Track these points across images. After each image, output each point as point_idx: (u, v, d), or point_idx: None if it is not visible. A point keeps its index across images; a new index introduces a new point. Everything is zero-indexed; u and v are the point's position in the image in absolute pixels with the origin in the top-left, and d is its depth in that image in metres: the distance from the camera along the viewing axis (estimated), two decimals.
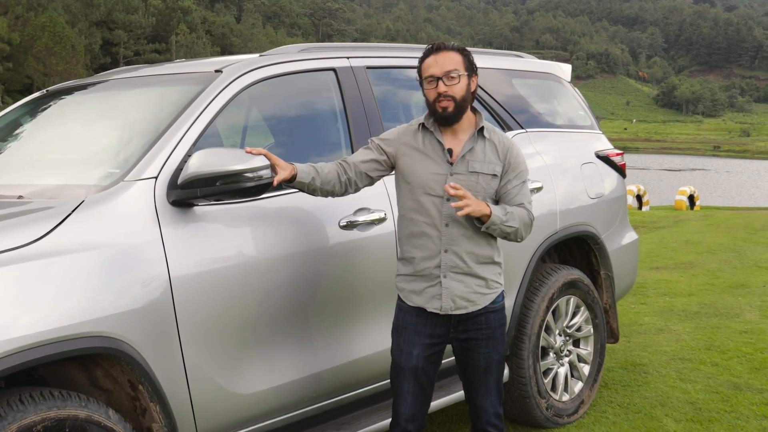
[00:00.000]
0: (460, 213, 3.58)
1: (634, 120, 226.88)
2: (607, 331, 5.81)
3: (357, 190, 3.91)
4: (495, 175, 3.78)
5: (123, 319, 3.25)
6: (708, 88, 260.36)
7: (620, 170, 5.96)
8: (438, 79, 3.71)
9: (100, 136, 4.23)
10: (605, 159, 5.84)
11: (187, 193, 3.52)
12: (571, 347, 5.45)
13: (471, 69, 3.79)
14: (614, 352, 6.84)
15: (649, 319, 8.11)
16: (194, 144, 3.71)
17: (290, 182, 3.70)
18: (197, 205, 3.61)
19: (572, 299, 5.38)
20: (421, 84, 3.82)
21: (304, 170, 3.73)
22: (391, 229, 4.29)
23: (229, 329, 3.65)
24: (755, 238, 14.64)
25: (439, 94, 3.71)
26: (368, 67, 4.62)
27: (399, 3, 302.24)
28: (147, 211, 3.47)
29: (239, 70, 4.06)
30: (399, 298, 3.91)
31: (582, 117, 6.03)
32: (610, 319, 5.81)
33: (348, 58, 4.56)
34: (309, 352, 3.98)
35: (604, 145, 6.01)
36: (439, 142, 3.79)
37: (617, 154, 5.98)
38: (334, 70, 4.45)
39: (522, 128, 5.31)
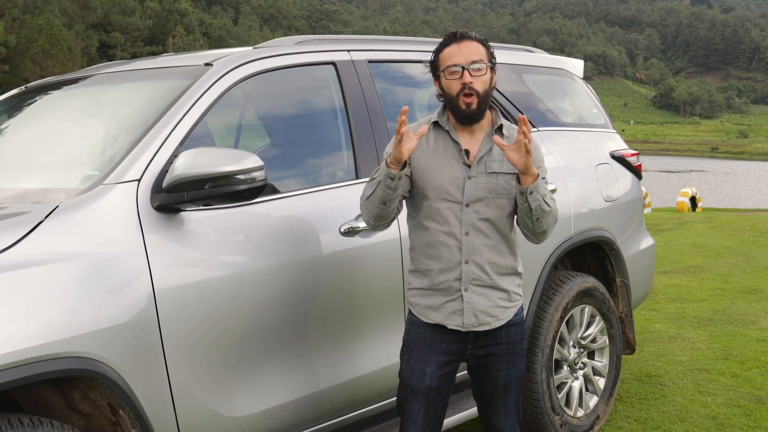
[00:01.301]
0: (522, 160, 3.21)
1: (632, 122, 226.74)
2: (622, 342, 5.48)
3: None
4: (516, 173, 3.42)
5: (101, 337, 2.92)
6: (705, 90, 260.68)
7: (636, 171, 5.64)
8: (463, 68, 3.35)
9: (81, 135, 3.90)
10: (620, 159, 5.52)
11: (173, 197, 3.19)
12: (585, 359, 5.12)
13: (493, 62, 3.46)
14: (627, 363, 6.51)
15: (661, 326, 7.79)
16: (181, 143, 3.38)
17: (400, 169, 3.28)
18: (184, 210, 3.29)
19: (587, 308, 5.06)
20: (437, 78, 3.46)
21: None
22: (395, 235, 3.97)
23: (219, 346, 3.33)
24: (762, 240, 14.37)
25: (464, 85, 3.34)
26: (370, 61, 4.29)
27: (396, 5, 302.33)
28: (129, 217, 3.14)
29: (231, 64, 3.73)
30: (411, 313, 3.56)
31: (595, 115, 5.70)
32: (625, 329, 5.49)
33: (349, 51, 4.23)
34: (307, 370, 3.66)
35: (619, 145, 5.68)
36: (455, 142, 3.45)
37: (632, 155, 5.66)
38: (333, 63, 4.13)
39: (533, 127, 4.98)
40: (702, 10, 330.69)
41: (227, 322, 3.34)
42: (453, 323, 3.42)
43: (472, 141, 3.45)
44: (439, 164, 3.41)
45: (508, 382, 3.55)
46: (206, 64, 3.74)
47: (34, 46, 74.56)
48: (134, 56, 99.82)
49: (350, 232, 3.79)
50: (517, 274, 3.53)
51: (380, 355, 3.96)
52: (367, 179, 3.49)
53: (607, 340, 5.22)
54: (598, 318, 5.15)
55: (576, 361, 5.03)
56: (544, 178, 3.40)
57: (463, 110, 3.37)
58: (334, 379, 3.75)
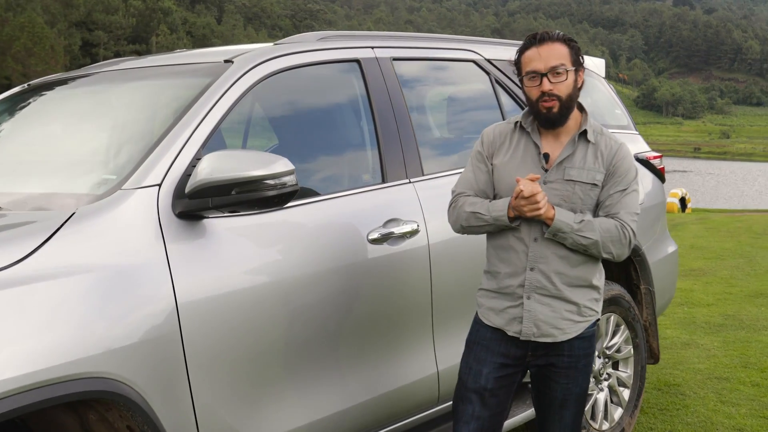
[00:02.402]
0: (529, 214, 3.12)
1: None
2: (647, 351, 5.29)
3: None
4: (595, 185, 3.24)
5: (121, 355, 2.70)
6: (688, 90, 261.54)
7: (660, 174, 5.45)
8: (542, 75, 3.18)
9: (92, 136, 3.66)
10: (644, 162, 5.32)
11: (197, 204, 2.96)
12: (610, 370, 4.92)
13: (578, 62, 3.25)
14: (646, 371, 6.31)
15: (672, 332, 7.60)
16: (203, 145, 3.16)
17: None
18: (208, 217, 3.06)
19: (612, 317, 4.85)
20: (520, 80, 3.31)
21: None
22: (424, 242, 3.76)
23: (245, 363, 3.10)
24: (760, 242, 14.27)
25: (543, 93, 3.18)
26: (394, 59, 4.07)
27: (380, 4, 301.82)
28: (149, 225, 2.91)
29: (252, 61, 3.50)
30: (476, 313, 3.44)
31: (618, 116, 5.51)
32: (650, 338, 5.29)
33: (372, 48, 4.01)
34: (336, 386, 3.44)
35: (642, 147, 5.49)
36: (536, 145, 3.28)
37: (656, 157, 5.47)
38: (357, 61, 3.90)
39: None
40: (684, 11, 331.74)
41: (253, 336, 3.12)
42: (512, 330, 3.29)
43: (556, 144, 3.28)
44: (516, 166, 3.27)
45: (566, 397, 3.36)
46: (226, 61, 3.52)
47: (16, 44, 73.80)
48: (117, 55, 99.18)
49: (378, 240, 3.58)
50: (592, 287, 3.32)
51: (409, 368, 3.75)
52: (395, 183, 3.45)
53: (632, 349, 5.02)
54: (623, 327, 4.95)
55: (601, 371, 4.83)
56: (627, 189, 3.27)
57: (544, 114, 3.22)
58: (363, 395, 3.54)
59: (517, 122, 3.36)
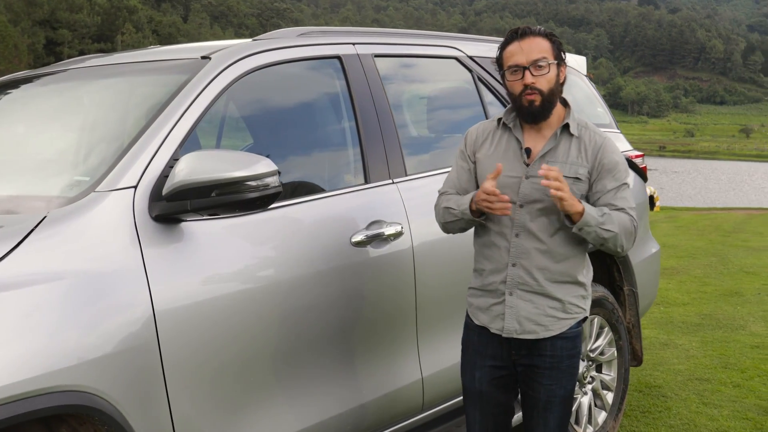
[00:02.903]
0: (553, 193, 2.98)
1: None
2: (630, 353, 5.20)
3: None
4: (578, 179, 3.18)
5: (96, 367, 2.55)
6: (653, 89, 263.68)
7: (642, 173, 5.37)
8: (524, 68, 3.14)
9: (64, 136, 3.51)
10: (626, 161, 5.22)
11: (175, 206, 2.82)
12: (594, 373, 4.83)
13: (560, 57, 3.22)
14: None
15: (650, 332, 7.54)
16: (181, 145, 3.01)
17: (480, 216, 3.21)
18: (186, 220, 2.92)
19: (596, 319, 4.76)
20: (502, 76, 3.26)
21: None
22: (408, 245, 3.64)
23: (225, 372, 2.97)
24: (730, 241, 14.33)
25: (526, 86, 3.13)
26: (376, 55, 3.95)
27: (347, 3, 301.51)
28: (124, 229, 2.77)
29: (231, 57, 3.36)
30: (466, 314, 3.41)
31: (601, 114, 5.42)
32: (633, 340, 5.21)
33: (354, 44, 3.88)
34: (323, 393, 3.31)
35: (624, 146, 5.41)
36: (518, 140, 3.24)
37: (637, 156, 5.39)
38: (339, 57, 3.77)
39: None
40: (649, 11, 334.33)
41: (234, 344, 2.99)
42: (495, 327, 3.26)
43: (539, 138, 3.24)
44: (498, 162, 3.20)
45: (550, 398, 3.29)
46: (203, 58, 3.37)
47: None
48: (82, 53, 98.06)
49: (362, 243, 3.46)
50: (577, 283, 3.27)
51: (393, 375, 3.63)
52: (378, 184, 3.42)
53: (616, 352, 4.93)
54: (606, 329, 4.86)
55: (585, 375, 4.73)
56: (624, 184, 3.22)
57: (526, 108, 3.18)
58: (346, 403, 3.41)
59: (499, 119, 3.33)
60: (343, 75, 3.75)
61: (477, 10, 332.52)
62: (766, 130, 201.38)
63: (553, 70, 3.16)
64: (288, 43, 3.63)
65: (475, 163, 3.33)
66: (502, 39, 3.36)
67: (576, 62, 5.47)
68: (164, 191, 2.82)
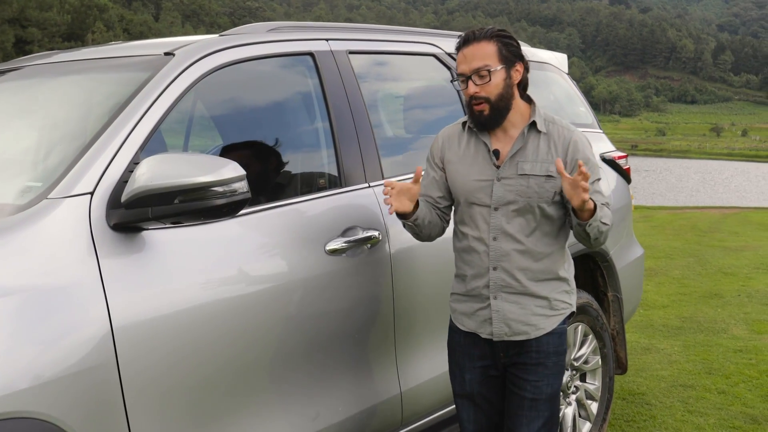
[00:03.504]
0: (579, 198, 2.85)
1: None
2: (615, 361, 5.03)
3: (450, 217, 3.35)
4: (549, 176, 3.06)
5: (48, 391, 2.34)
6: (624, 88, 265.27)
7: (625, 175, 5.20)
8: (467, 78, 3.04)
9: (15, 138, 3.27)
10: (610, 162, 5.06)
11: (135, 214, 2.60)
12: (578, 383, 4.65)
13: (510, 58, 3.08)
14: None
15: (631, 336, 7.38)
16: (142, 148, 2.79)
17: (406, 218, 3.13)
18: (147, 228, 2.70)
19: (580, 327, 4.58)
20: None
21: (422, 206, 3.18)
22: (386, 252, 3.44)
23: (191, 392, 2.75)
24: (707, 241, 14.24)
25: (471, 97, 3.05)
26: (351, 52, 3.74)
27: (319, 2, 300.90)
28: (80, 239, 2.55)
29: (196, 53, 3.14)
30: (450, 318, 3.34)
31: (583, 114, 5.23)
32: (617, 348, 5.04)
33: (327, 40, 3.67)
34: (296, 412, 3.10)
35: (607, 147, 5.23)
36: (484, 143, 3.13)
37: (621, 157, 5.22)
38: (311, 54, 3.56)
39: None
40: (620, 10, 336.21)
41: (200, 362, 2.77)
42: (485, 332, 3.19)
43: (506, 139, 3.14)
44: (467, 167, 3.17)
45: (536, 396, 3.19)
46: (166, 54, 3.15)
47: None
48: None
49: (337, 251, 3.25)
50: (560, 279, 3.19)
51: (371, 390, 3.43)
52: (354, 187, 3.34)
53: (600, 360, 4.76)
54: (591, 337, 4.68)
55: (569, 384, 4.55)
56: (598, 179, 3.14)
57: (476, 117, 3.09)
58: (321, 421, 3.20)
59: (464, 122, 3.23)
60: (316, 73, 3.54)
61: (450, 9, 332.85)
62: (737, 128, 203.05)
63: (499, 75, 3.04)
64: (257, 39, 3.42)
65: (443, 169, 3.25)
66: None
67: (557, 60, 5.28)
68: (123, 198, 2.60)
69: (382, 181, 3.56)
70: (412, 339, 3.63)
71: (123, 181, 2.67)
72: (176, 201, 2.56)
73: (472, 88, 3.04)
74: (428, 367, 3.70)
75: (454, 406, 3.52)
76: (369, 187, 3.52)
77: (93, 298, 2.51)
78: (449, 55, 4.21)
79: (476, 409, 3.29)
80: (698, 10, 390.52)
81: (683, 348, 6.98)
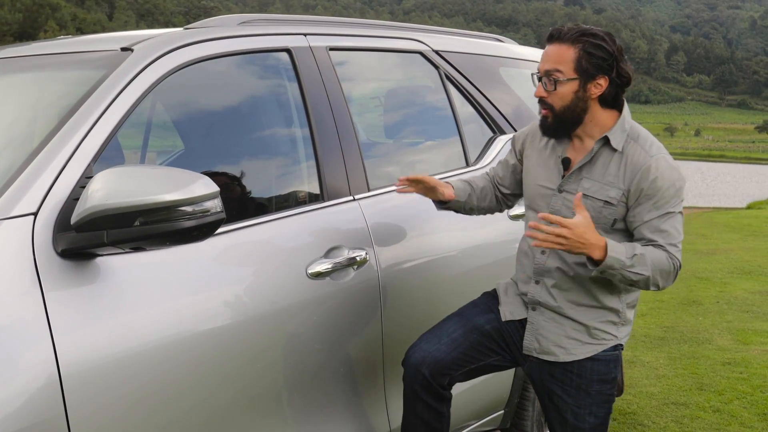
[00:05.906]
0: (533, 243, 2.67)
1: None
2: None
3: (513, 204, 3.28)
4: (608, 203, 2.73)
5: None
6: None
7: None
8: (540, 78, 2.82)
9: None
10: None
11: (87, 238, 2.19)
12: None
13: (590, 71, 2.74)
14: None
15: None
16: (95, 159, 2.38)
17: (445, 204, 3.10)
18: (101, 255, 2.29)
19: None
20: None
21: (459, 187, 3.10)
22: (374, 274, 3.05)
23: None
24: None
25: (539, 98, 2.80)
26: (331, 48, 3.34)
27: (275, 2, 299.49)
28: (21, 268, 2.14)
29: (157, 49, 2.72)
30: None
31: None
32: None
33: (305, 35, 3.27)
34: None
35: None
36: (560, 149, 2.90)
37: None
38: (288, 50, 3.16)
39: (515, 130, 4.11)
40: (575, 11, 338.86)
41: (164, 407, 2.37)
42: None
43: (581, 149, 2.85)
44: (537, 170, 2.98)
45: (579, 424, 2.89)
46: (123, 50, 2.74)
47: None
48: None
49: (320, 274, 2.85)
50: (606, 308, 2.86)
51: (358, 430, 3.04)
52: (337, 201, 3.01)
53: None
54: None
55: None
56: (669, 213, 2.74)
57: (540, 121, 2.84)
58: None
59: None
60: (293, 71, 3.14)
61: (406, 9, 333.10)
62: (690, 128, 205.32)
63: (568, 87, 2.73)
64: (226, 33, 3.00)
65: (521, 161, 3.10)
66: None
67: (534, 55, 4.90)
68: (73, 219, 2.19)
69: (368, 194, 3.18)
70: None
71: (73, 200, 2.26)
72: (137, 223, 2.15)
73: (539, 90, 2.81)
74: None
75: None
76: (354, 200, 3.12)
77: (36, 339, 2.11)
78: (437, 52, 3.83)
79: (465, 336, 2.98)
80: (651, 11, 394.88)
81: (669, 361, 6.67)
